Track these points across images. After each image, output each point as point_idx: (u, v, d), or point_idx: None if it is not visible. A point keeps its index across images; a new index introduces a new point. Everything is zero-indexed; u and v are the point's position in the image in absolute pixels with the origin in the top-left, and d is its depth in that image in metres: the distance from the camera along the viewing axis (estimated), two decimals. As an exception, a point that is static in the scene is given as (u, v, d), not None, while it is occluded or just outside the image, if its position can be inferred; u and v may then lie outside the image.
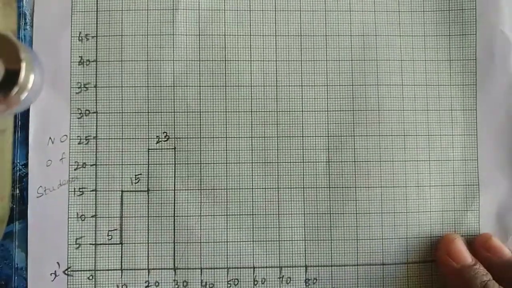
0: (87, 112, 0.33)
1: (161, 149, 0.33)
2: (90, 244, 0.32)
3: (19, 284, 0.32)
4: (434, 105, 0.34)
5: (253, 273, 0.32)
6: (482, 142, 0.34)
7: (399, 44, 0.34)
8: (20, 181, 0.32)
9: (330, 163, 0.33)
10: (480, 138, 0.34)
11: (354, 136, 0.33)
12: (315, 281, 0.32)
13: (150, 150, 0.33)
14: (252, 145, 0.33)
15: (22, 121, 0.32)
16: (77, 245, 0.32)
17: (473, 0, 0.34)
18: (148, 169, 0.32)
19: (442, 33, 0.34)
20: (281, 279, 0.32)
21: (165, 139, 0.33)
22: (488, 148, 0.34)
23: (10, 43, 0.22)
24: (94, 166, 0.32)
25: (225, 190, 0.32)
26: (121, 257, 0.32)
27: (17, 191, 0.32)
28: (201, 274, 0.32)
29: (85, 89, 0.33)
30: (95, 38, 0.33)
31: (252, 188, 0.33)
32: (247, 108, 0.33)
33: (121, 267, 0.32)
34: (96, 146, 0.32)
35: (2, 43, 0.22)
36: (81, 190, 0.32)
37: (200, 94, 0.33)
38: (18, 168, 0.32)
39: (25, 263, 0.32)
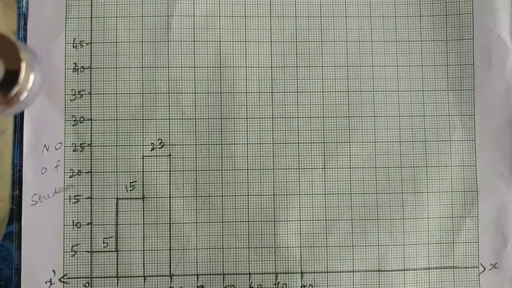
0: (81, 119, 0.34)
1: (156, 156, 0.34)
2: (86, 251, 0.34)
3: (19, 285, 0.33)
4: (432, 111, 0.35)
5: (249, 280, 0.34)
6: (481, 147, 0.35)
7: (395, 49, 0.35)
8: (20, 182, 0.34)
9: (325, 169, 0.35)
10: (478, 143, 0.35)
11: (350, 142, 0.35)
12: (310, 287, 0.34)
13: (145, 157, 0.34)
14: (247, 151, 0.34)
15: (21, 122, 0.34)
16: (73, 253, 0.33)
17: (470, 5, 0.35)
18: (143, 176, 0.34)
19: (439, 38, 0.35)
20: (276, 285, 0.34)
21: (160, 146, 0.34)
22: (487, 153, 0.35)
23: (10, 43, 0.23)
24: (89, 173, 0.34)
25: (221, 197, 0.34)
26: (117, 264, 0.34)
27: (17, 192, 0.34)
28: (197, 281, 0.34)
29: (79, 96, 0.34)
30: (89, 44, 0.34)
31: (248, 195, 0.34)
32: (243, 114, 0.35)
33: (117, 274, 0.33)
34: (91, 153, 0.34)
35: (2, 43, 0.23)
36: (76, 197, 0.34)
37: (195, 100, 0.35)
38: (17, 169, 0.34)
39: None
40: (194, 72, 0.35)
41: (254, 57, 0.35)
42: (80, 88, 0.34)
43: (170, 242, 0.34)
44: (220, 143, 0.34)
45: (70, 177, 0.34)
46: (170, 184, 0.34)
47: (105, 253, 0.34)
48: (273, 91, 0.35)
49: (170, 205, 0.34)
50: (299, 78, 0.35)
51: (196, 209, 0.34)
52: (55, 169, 0.34)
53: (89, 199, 0.34)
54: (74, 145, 0.34)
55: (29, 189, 0.34)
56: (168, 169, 0.34)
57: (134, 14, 0.35)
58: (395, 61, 0.35)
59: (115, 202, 0.34)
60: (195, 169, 0.34)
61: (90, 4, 0.35)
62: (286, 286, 0.34)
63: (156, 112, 0.34)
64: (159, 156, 0.34)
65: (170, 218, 0.34)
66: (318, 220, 0.34)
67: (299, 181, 0.35)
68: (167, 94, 0.34)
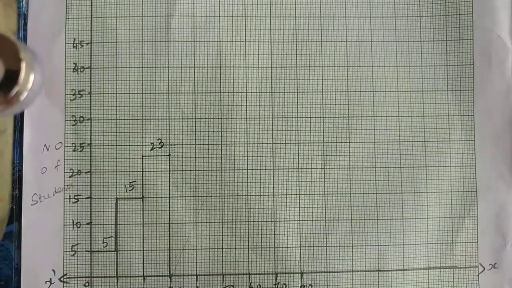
0: (81, 119, 0.35)
1: (156, 156, 0.34)
2: (85, 251, 0.34)
3: (19, 285, 0.33)
4: (431, 111, 0.35)
5: (249, 280, 0.34)
6: (480, 147, 0.35)
7: (395, 49, 0.35)
8: (20, 182, 0.34)
9: (325, 169, 0.35)
10: (478, 143, 0.35)
11: (349, 142, 0.35)
12: (310, 287, 0.34)
13: (144, 157, 0.34)
14: (247, 151, 0.35)
15: (21, 122, 0.34)
16: (73, 252, 0.34)
17: (470, 5, 0.35)
18: (142, 176, 0.34)
19: (438, 38, 0.36)
20: (276, 285, 0.34)
21: (160, 146, 0.35)
22: (486, 153, 0.35)
23: (10, 43, 0.23)
24: (89, 173, 0.34)
25: (220, 197, 0.34)
26: (117, 264, 0.34)
27: (17, 192, 0.34)
28: (196, 281, 0.34)
29: (79, 96, 0.35)
30: (89, 44, 0.35)
31: (248, 195, 0.34)
32: (242, 114, 0.35)
33: (117, 274, 0.34)
34: (90, 153, 0.34)
35: (2, 43, 0.23)
36: (76, 197, 0.34)
37: (195, 100, 0.35)
38: (17, 169, 0.34)
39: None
40: (194, 72, 0.35)
41: (254, 57, 0.35)
42: (80, 88, 0.35)
43: (169, 242, 0.34)
44: (220, 143, 0.35)
45: (70, 177, 0.34)
46: (169, 184, 0.34)
47: (105, 253, 0.34)
48: (273, 91, 0.35)
49: (169, 205, 0.34)
50: (299, 78, 0.35)
51: (196, 209, 0.34)
52: (55, 169, 0.34)
53: (89, 199, 0.34)
54: (74, 145, 0.34)
55: (29, 189, 0.34)
56: (168, 169, 0.34)
57: (134, 14, 0.35)
58: (395, 61, 0.35)
59: (115, 202, 0.34)
60: (194, 169, 0.34)
61: (90, 4, 0.35)
62: (285, 286, 0.34)
63: (156, 112, 0.35)
64: (158, 156, 0.34)
65: (169, 218, 0.34)
66: (317, 220, 0.35)
67: (299, 181, 0.35)
68: (167, 94, 0.35)
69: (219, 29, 0.35)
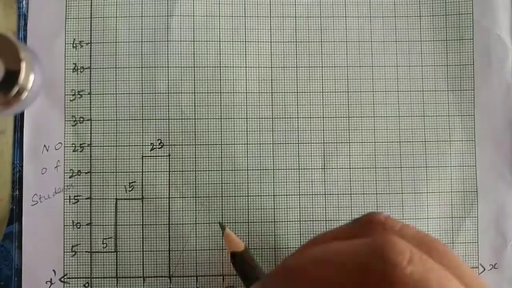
0: (81, 119, 0.35)
1: (156, 156, 0.35)
2: (85, 252, 0.34)
3: (19, 285, 0.33)
4: (431, 111, 0.35)
5: (249, 281, 0.34)
6: (481, 147, 0.35)
7: (395, 49, 0.36)
8: (20, 182, 0.34)
9: (325, 169, 0.35)
10: (478, 143, 0.35)
11: (349, 142, 0.35)
12: (310, 288, 0.34)
13: (144, 158, 0.34)
14: (247, 152, 0.35)
15: (21, 122, 0.34)
16: (73, 253, 0.34)
17: (470, 5, 0.36)
18: (142, 177, 0.34)
19: (438, 38, 0.36)
20: (276, 286, 0.34)
21: (160, 146, 0.35)
22: (487, 153, 0.35)
23: (10, 43, 0.23)
24: (89, 173, 0.34)
25: (220, 197, 0.34)
26: (116, 265, 0.34)
27: (17, 192, 0.34)
28: (196, 282, 0.34)
29: (79, 96, 0.35)
30: (89, 45, 0.35)
31: (248, 196, 0.35)
32: (242, 114, 0.35)
33: (117, 275, 0.34)
34: (90, 154, 0.34)
35: (2, 43, 0.23)
36: (76, 198, 0.34)
37: (194, 100, 0.35)
38: (17, 169, 0.34)
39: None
40: (194, 72, 0.35)
41: (254, 57, 0.35)
42: (79, 88, 0.35)
43: (169, 243, 0.34)
44: (220, 143, 0.35)
45: (70, 177, 0.34)
46: (169, 184, 0.34)
47: (105, 253, 0.34)
48: (273, 91, 0.35)
49: (169, 205, 0.34)
50: (299, 78, 0.35)
51: (196, 210, 0.34)
52: (55, 169, 0.34)
53: (89, 200, 0.34)
54: (73, 145, 0.34)
55: (29, 189, 0.34)
56: (168, 170, 0.34)
57: (134, 14, 0.35)
58: (395, 61, 0.36)
59: (114, 202, 0.34)
60: (194, 170, 0.35)
61: (90, 4, 0.35)
62: (286, 287, 0.34)
63: (156, 112, 0.35)
64: (158, 156, 0.35)
65: (169, 218, 0.34)
66: (318, 220, 0.35)
67: (299, 181, 0.35)
68: (167, 94, 0.35)
69: (219, 29, 0.35)
